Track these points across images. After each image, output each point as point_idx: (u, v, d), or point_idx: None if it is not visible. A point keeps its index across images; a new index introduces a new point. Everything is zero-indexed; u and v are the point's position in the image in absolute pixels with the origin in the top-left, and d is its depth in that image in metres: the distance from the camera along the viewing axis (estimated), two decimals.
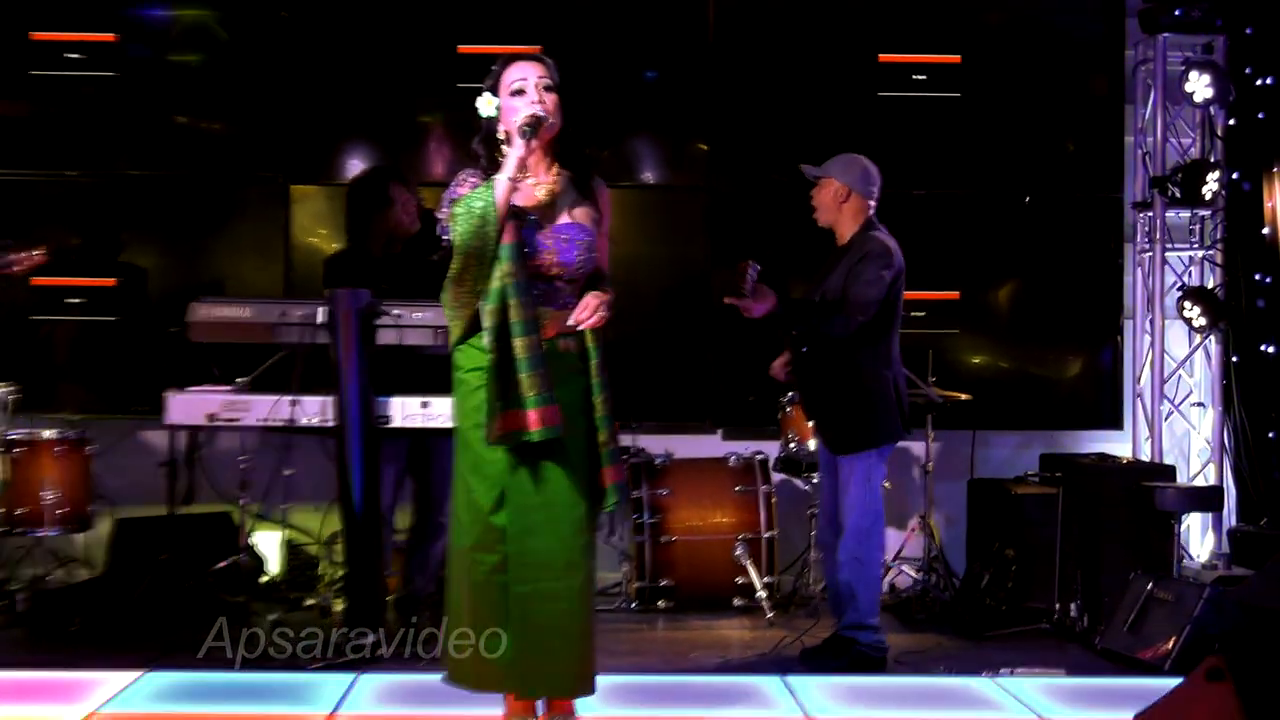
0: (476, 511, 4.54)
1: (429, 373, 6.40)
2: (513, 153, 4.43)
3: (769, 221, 8.26)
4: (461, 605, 4.62)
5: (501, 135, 4.57)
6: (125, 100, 8.37)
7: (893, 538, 7.84)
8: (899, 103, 8.50)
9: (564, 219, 4.60)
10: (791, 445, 7.51)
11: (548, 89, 4.53)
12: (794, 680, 5.91)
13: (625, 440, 7.48)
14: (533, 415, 4.40)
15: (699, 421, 8.43)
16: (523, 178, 4.50)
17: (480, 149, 4.61)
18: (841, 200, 6.36)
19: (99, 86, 8.34)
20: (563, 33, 8.08)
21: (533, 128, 4.42)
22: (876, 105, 8.49)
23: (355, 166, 8.29)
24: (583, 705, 4.82)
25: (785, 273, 8.16)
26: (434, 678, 4.97)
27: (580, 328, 4.53)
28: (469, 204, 4.40)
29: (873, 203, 6.37)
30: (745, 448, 7.92)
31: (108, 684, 5.67)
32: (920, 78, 8.50)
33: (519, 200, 4.48)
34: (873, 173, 6.38)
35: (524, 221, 4.49)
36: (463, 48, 8.25)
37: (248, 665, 6.15)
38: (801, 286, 6.93)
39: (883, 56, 8.51)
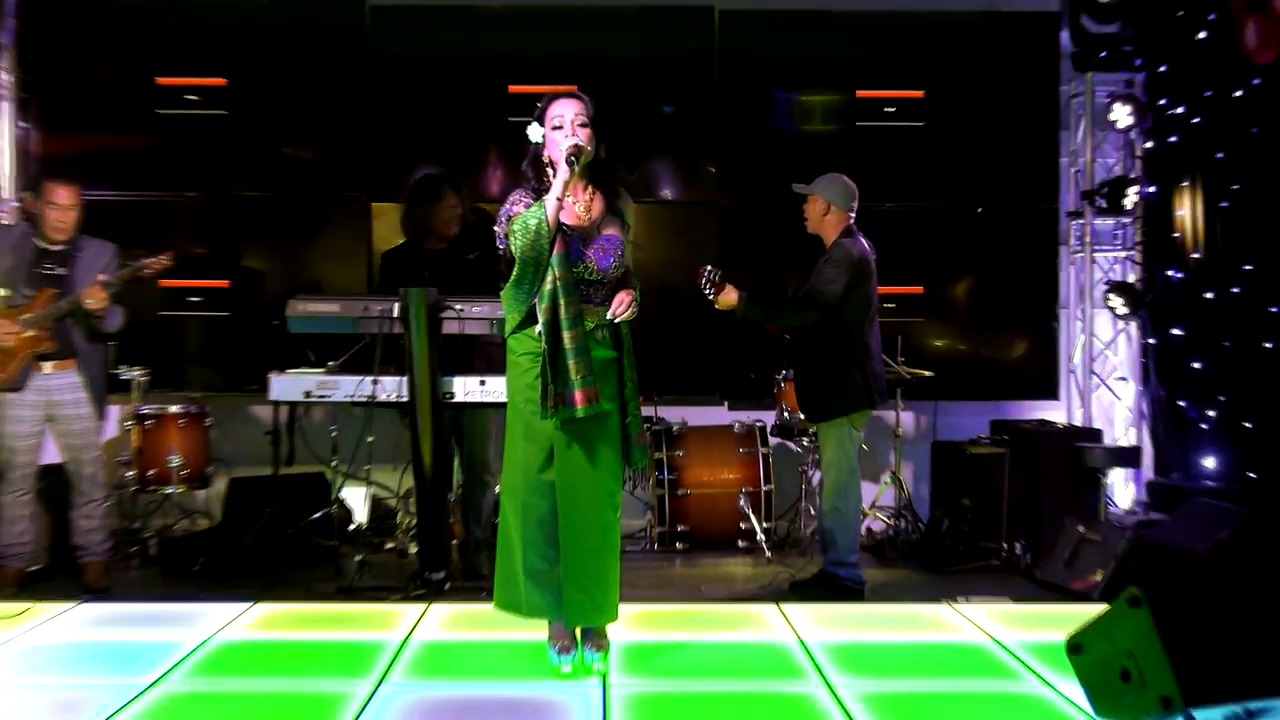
0: (528, 470, 4.60)
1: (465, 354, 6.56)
2: (559, 178, 4.47)
3: (769, 230, 8.26)
4: (513, 546, 4.67)
5: (546, 160, 4.60)
6: (235, 134, 8.41)
7: (870, 490, 7.86)
8: (873, 131, 8.49)
9: (600, 233, 4.63)
10: (785, 414, 7.52)
11: (583, 125, 4.55)
12: (788, 608, 5.92)
13: (648, 410, 7.49)
14: (579, 395, 4.47)
15: (709, 395, 8.44)
16: (566, 198, 4.53)
17: (529, 171, 4.66)
18: (824, 214, 6.36)
19: (213, 123, 8.38)
20: (595, 74, 8.08)
21: (576, 157, 4.45)
22: (855, 133, 8.49)
23: None
24: (614, 629, 4.86)
25: (783, 271, 8.26)
26: (490, 607, 5.00)
27: (616, 320, 4.58)
28: (525, 221, 4.45)
29: (852, 215, 6.36)
30: (747, 416, 7.93)
31: (224, 613, 5.71)
32: (891, 110, 8.49)
33: (564, 218, 4.54)
34: (852, 189, 6.37)
35: (570, 235, 4.53)
36: (513, 87, 8.28)
37: (340, 596, 6.20)
38: (795, 283, 6.92)
39: (860, 92, 8.51)
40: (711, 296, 5.96)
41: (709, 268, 5.95)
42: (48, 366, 6.26)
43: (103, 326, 6.28)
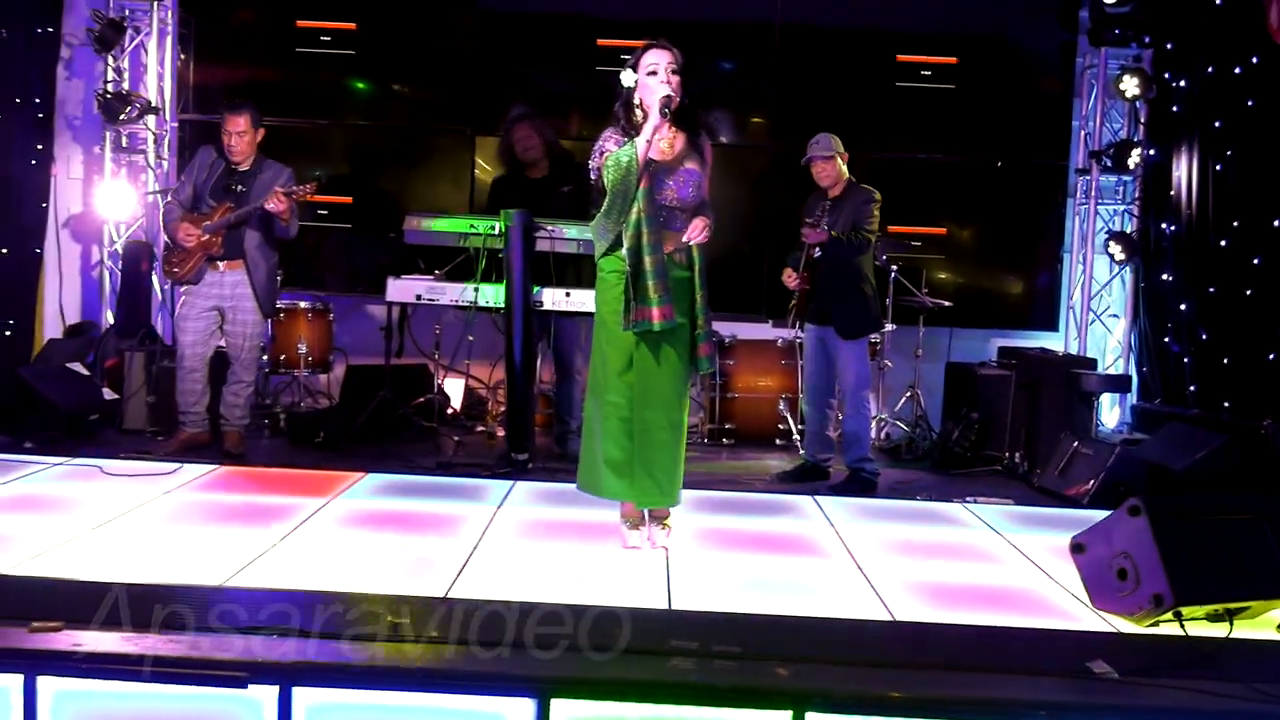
0: (610, 372, 4.54)
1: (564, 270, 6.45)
2: (650, 122, 4.37)
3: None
4: (595, 437, 4.63)
5: (637, 102, 4.46)
6: (361, 71, 8.35)
7: (893, 401, 7.82)
8: (911, 91, 8.28)
9: (681, 166, 4.51)
10: None
11: (674, 72, 4.42)
12: (821, 499, 5.85)
13: None
14: (656, 311, 4.39)
15: (756, 314, 8.30)
16: (655, 137, 4.40)
17: (620, 112, 4.53)
18: (844, 165, 6.30)
19: (343, 61, 8.30)
20: (669, 34, 7.85)
21: (668, 105, 4.33)
22: (895, 93, 8.28)
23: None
24: (675, 511, 4.80)
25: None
26: (568, 485, 4.95)
27: (691, 244, 4.47)
28: (618, 158, 4.37)
29: None
30: (788, 333, 7.78)
31: (341, 481, 5.69)
32: (927, 73, 8.28)
33: (651, 154, 4.40)
34: None
35: (655, 169, 4.42)
36: (601, 41, 8.16)
37: (439, 470, 6.16)
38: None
39: (900, 57, 8.28)
40: (820, 228, 6.12)
41: (818, 212, 6.10)
42: (221, 265, 6.25)
43: (282, 232, 6.24)
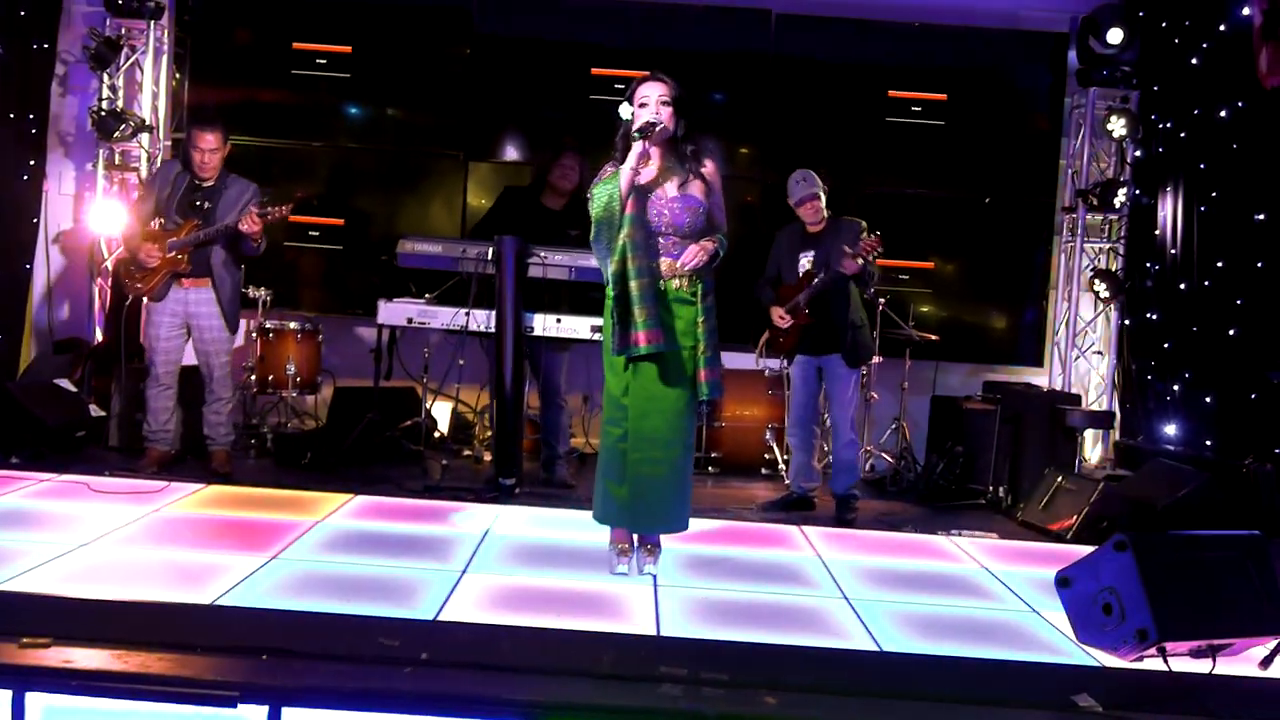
0: (610, 396, 4.63)
1: (559, 296, 6.46)
2: (633, 150, 4.41)
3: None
4: (600, 463, 4.70)
5: (634, 135, 4.51)
6: (355, 94, 8.37)
7: (878, 434, 7.85)
8: (901, 127, 8.33)
9: (676, 193, 4.56)
10: None
11: (665, 104, 4.49)
12: (807, 529, 5.87)
13: None
14: (642, 335, 4.45)
15: (744, 344, 8.30)
16: (643, 166, 4.45)
17: (619, 144, 4.59)
18: (827, 202, 6.41)
19: (338, 83, 8.31)
20: (664, 63, 7.90)
21: (642, 132, 4.41)
22: (885, 128, 8.33)
23: (513, 152, 8.38)
24: (662, 539, 4.81)
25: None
26: (556, 511, 4.95)
27: (686, 269, 4.51)
28: (603, 186, 4.48)
29: None
30: (775, 364, 7.81)
31: (328, 502, 5.70)
32: (917, 109, 8.33)
33: (642, 180, 4.46)
34: None
35: (647, 196, 4.47)
36: (595, 70, 8.19)
37: (426, 494, 6.15)
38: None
39: (891, 92, 8.33)
40: (859, 260, 6.07)
41: (875, 240, 6.09)
42: (186, 283, 6.22)
43: (250, 250, 6.22)
